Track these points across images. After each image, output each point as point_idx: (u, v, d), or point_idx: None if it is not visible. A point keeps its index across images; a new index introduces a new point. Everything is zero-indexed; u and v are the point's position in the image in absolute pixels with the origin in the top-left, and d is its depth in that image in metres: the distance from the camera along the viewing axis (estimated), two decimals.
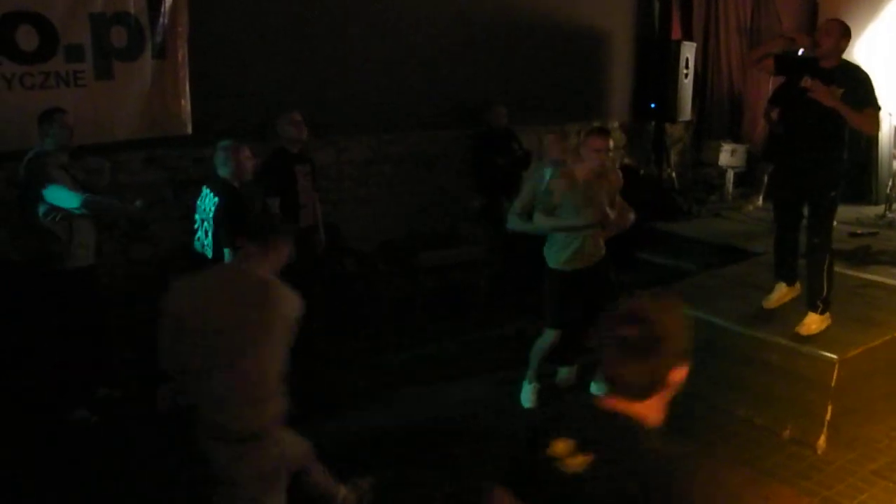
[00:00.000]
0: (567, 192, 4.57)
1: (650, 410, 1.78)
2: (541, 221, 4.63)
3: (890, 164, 8.81)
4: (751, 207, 8.50)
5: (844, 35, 4.72)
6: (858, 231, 7.48)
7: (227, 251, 4.29)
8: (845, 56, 4.76)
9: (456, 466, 4.30)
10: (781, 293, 5.20)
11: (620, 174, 4.92)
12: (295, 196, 5.36)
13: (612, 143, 4.62)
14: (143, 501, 4.03)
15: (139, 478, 4.17)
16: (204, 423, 2.97)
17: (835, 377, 4.39)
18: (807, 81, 4.73)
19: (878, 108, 4.74)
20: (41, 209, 4.46)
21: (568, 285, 4.75)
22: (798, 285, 5.15)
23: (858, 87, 4.64)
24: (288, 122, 5.37)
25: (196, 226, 4.61)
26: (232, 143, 4.62)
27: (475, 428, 4.75)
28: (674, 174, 8.86)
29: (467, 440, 4.59)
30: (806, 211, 5.03)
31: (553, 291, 4.81)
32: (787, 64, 5.05)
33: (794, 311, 5.01)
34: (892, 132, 9.04)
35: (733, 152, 9.03)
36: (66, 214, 4.46)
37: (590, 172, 4.61)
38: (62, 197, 4.39)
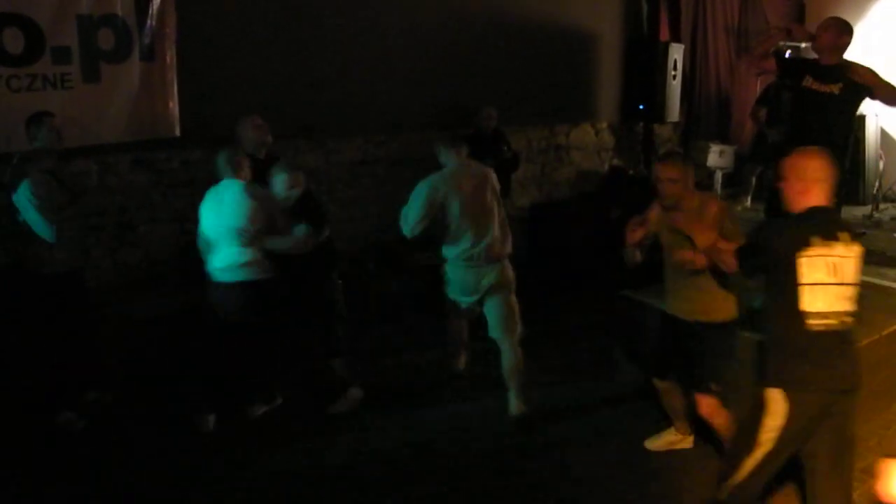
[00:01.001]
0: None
1: None
2: None
3: (877, 165, 8.88)
4: (739, 208, 8.53)
5: (844, 31, 4.73)
6: None
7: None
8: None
9: (447, 467, 4.32)
10: None
11: (721, 204, 4.01)
12: None
13: (682, 172, 3.86)
14: (142, 501, 4.04)
15: (137, 477, 4.17)
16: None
17: None
18: (808, 81, 4.73)
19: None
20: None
21: (661, 328, 4.19)
22: None
23: (858, 74, 4.65)
24: (249, 126, 5.00)
25: None
26: None
27: (467, 427, 4.76)
28: None
29: (459, 441, 4.60)
30: None
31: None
32: (789, 64, 5.06)
33: None
34: (879, 133, 9.11)
35: (721, 153, 9.07)
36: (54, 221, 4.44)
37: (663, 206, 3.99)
38: (37, 225, 4.39)
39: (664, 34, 8.88)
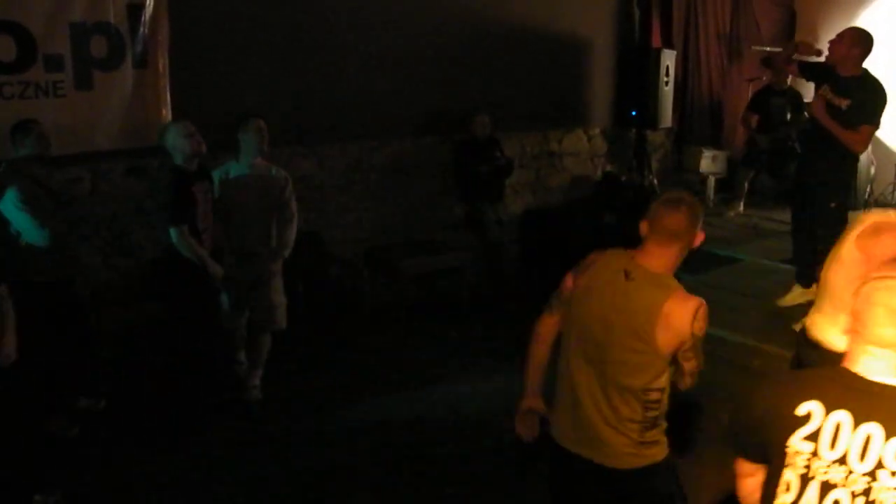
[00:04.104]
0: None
1: None
2: None
3: (868, 170, 8.91)
4: (732, 213, 8.55)
5: (856, 43, 4.75)
6: None
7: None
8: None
9: (436, 468, 4.32)
10: (794, 294, 5.30)
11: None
12: (193, 220, 4.65)
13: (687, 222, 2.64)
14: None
15: (134, 488, 4.16)
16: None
17: None
18: (825, 90, 4.80)
19: (873, 125, 4.79)
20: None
21: (553, 474, 2.93)
22: (814, 287, 5.21)
23: (866, 99, 4.69)
24: (182, 134, 4.61)
25: None
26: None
27: (457, 430, 4.76)
28: (655, 181, 8.91)
29: (449, 443, 4.61)
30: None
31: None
32: (811, 70, 5.18)
33: (779, 316, 5.06)
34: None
35: (714, 159, 9.10)
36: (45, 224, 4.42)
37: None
38: (28, 231, 4.36)
39: (656, 41, 8.91)
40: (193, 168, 4.66)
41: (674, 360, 2.62)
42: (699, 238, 2.67)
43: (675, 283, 2.63)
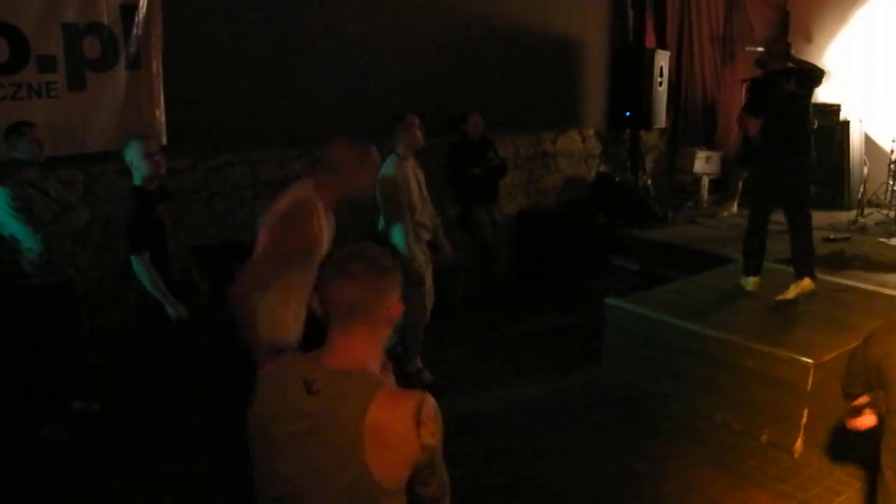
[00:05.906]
0: None
1: None
2: None
3: (861, 170, 8.95)
4: (726, 213, 8.58)
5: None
6: (832, 236, 7.57)
7: None
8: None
9: None
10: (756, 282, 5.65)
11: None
12: (163, 246, 4.37)
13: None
14: None
15: (130, 491, 4.14)
16: None
17: (810, 381, 4.43)
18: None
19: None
20: None
21: None
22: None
23: None
24: (142, 155, 4.23)
25: None
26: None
27: (447, 433, 4.74)
28: (649, 181, 8.94)
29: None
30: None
31: None
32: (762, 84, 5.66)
33: (772, 316, 5.07)
34: (863, 139, 9.18)
35: (708, 159, 9.13)
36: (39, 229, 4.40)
37: None
38: (21, 235, 4.35)
39: (650, 41, 8.94)
40: (153, 188, 4.35)
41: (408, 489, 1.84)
42: (396, 308, 1.88)
43: (375, 378, 1.83)
